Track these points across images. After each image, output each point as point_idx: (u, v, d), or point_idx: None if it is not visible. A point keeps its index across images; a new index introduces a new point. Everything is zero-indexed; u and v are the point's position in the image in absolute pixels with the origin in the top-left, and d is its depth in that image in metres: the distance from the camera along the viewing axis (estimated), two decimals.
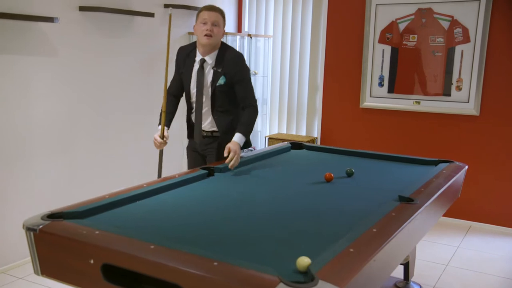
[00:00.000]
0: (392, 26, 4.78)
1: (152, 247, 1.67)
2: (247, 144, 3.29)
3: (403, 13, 4.71)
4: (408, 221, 2.06)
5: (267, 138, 5.37)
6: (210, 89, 3.09)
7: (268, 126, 5.69)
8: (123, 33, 4.16)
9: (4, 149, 3.39)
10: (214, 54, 3.09)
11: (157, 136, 3.10)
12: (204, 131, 3.21)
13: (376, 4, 4.80)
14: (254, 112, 3.14)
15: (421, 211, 2.21)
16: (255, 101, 3.16)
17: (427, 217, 2.38)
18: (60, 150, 3.75)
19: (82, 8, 3.75)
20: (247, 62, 5.26)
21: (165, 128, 3.15)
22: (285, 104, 5.57)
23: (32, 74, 3.50)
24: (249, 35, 5.22)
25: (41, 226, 1.85)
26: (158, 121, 3.31)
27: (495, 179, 4.54)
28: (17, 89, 3.42)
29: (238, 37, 5.18)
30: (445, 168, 2.99)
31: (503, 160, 4.49)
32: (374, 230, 1.89)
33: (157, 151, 3.29)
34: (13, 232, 3.47)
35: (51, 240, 1.83)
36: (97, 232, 1.80)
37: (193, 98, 3.17)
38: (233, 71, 3.08)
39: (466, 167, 3.16)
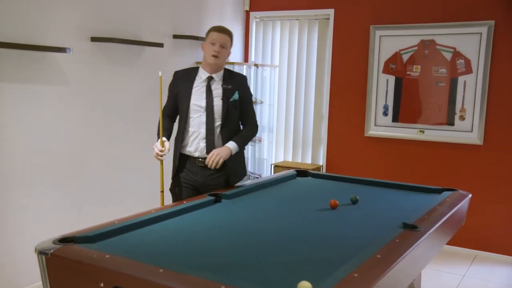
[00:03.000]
0: (395, 57, 4.87)
1: (161, 270, 1.71)
2: (242, 173, 3.29)
3: (407, 45, 4.80)
4: (412, 248, 2.08)
5: (273, 165, 5.42)
6: (222, 106, 3.10)
7: (274, 154, 5.74)
8: (133, 63, 4.26)
9: (17, 174, 3.46)
10: (220, 73, 3.17)
11: (158, 144, 3.07)
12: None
13: (380, 36, 4.90)
14: (255, 129, 3.29)
15: (424, 238, 2.24)
16: (257, 121, 3.31)
17: (431, 244, 2.40)
18: (71, 175, 3.82)
19: (94, 39, 3.86)
20: (253, 91, 5.38)
21: (165, 140, 3.10)
22: (291, 132, 5.64)
23: (46, 103, 3.59)
24: (256, 65, 5.33)
25: (52, 250, 1.89)
26: (156, 138, 3.23)
27: (499, 208, 4.56)
28: (31, 117, 3.51)
29: (245, 66, 5.29)
30: (449, 196, 3.02)
31: (507, 189, 4.51)
32: (378, 256, 1.92)
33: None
34: (24, 256, 3.50)
35: (63, 263, 1.87)
36: (107, 256, 1.84)
37: (192, 115, 3.11)
38: (243, 89, 3.20)
39: (470, 195, 3.18)
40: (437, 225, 2.45)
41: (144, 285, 1.68)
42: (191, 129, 3.13)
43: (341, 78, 5.19)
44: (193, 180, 3.16)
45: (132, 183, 4.35)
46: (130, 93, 4.27)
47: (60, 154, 3.74)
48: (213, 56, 3.07)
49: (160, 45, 4.37)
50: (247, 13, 5.67)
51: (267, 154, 5.71)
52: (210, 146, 3.10)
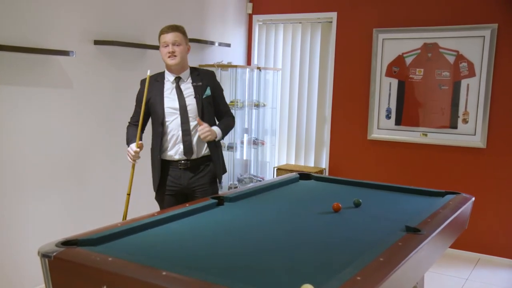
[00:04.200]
0: (398, 60, 4.87)
1: (164, 273, 1.71)
2: (224, 170, 3.34)
3: (410, 48, 4.80)
4: (415, 251, 2.08)
5: (275, 168, 5.42)
6: (196, 104, 3.10)
7: (276, 157, 5.74)
8: (136, 66, 4.27)
9: (20, 176, 3.47)
10: (187, 72, 3.15)
11: (133, 145, 3.05)
12: (191, 159, 3.14)
13: (383, 39, 4.91)
14: (233, 121, 3.32)
15: (427, 241, 2.23)
16: (232, 113, 3.33)
17: (433, 247, 2.40)
18: (74, 178, 3.82)
19: (97, 42, 3.87)
20: (256, 94, 5.38)
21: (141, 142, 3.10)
22: (294, 135, 5.64)
23: (48, 106, 3.60)
24: (258, 68, 5.34)
25: (55, 253, 1.89)
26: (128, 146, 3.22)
27: (503, 211, 4.54)
28: (33, 120, 3.52)
29: (247, 69, 5.29)
30: (452, 200, 3.01)
31: (511, 192, 4.50)
32: (381, 259, 1.92)
33: None
34: (27, 259, 3.51)
35: (66, 266, 1.87)
36: (110, 259, 1.84)
37: (168, 118, 3.10)
38: (214, 84, 3.19)
39: (473, 198, 3.17)
40: (440, 228, 2.44)
41: (147, 287, 1.68)
42: (169, 133, 3.11)
43: (344, 81, 5.19)
44: (177, 185, 3.17)
45: (135, 186, 4.35)
46: (133, 95, 4.27)
47: (64, 157, 3.75)
48: (170, 57, 3.04)
49: None
50: (250, 16, 5.68)
51: (270, 157, 5.71)
52: (187, 148, 3.09)
